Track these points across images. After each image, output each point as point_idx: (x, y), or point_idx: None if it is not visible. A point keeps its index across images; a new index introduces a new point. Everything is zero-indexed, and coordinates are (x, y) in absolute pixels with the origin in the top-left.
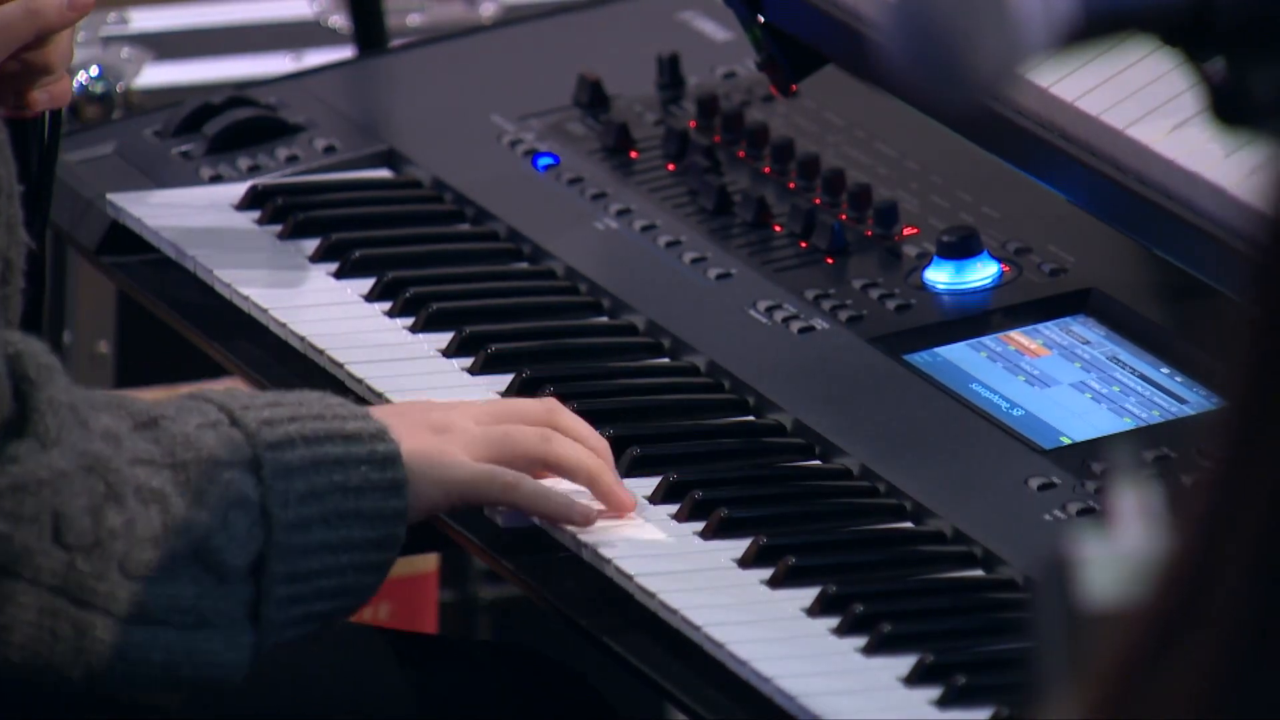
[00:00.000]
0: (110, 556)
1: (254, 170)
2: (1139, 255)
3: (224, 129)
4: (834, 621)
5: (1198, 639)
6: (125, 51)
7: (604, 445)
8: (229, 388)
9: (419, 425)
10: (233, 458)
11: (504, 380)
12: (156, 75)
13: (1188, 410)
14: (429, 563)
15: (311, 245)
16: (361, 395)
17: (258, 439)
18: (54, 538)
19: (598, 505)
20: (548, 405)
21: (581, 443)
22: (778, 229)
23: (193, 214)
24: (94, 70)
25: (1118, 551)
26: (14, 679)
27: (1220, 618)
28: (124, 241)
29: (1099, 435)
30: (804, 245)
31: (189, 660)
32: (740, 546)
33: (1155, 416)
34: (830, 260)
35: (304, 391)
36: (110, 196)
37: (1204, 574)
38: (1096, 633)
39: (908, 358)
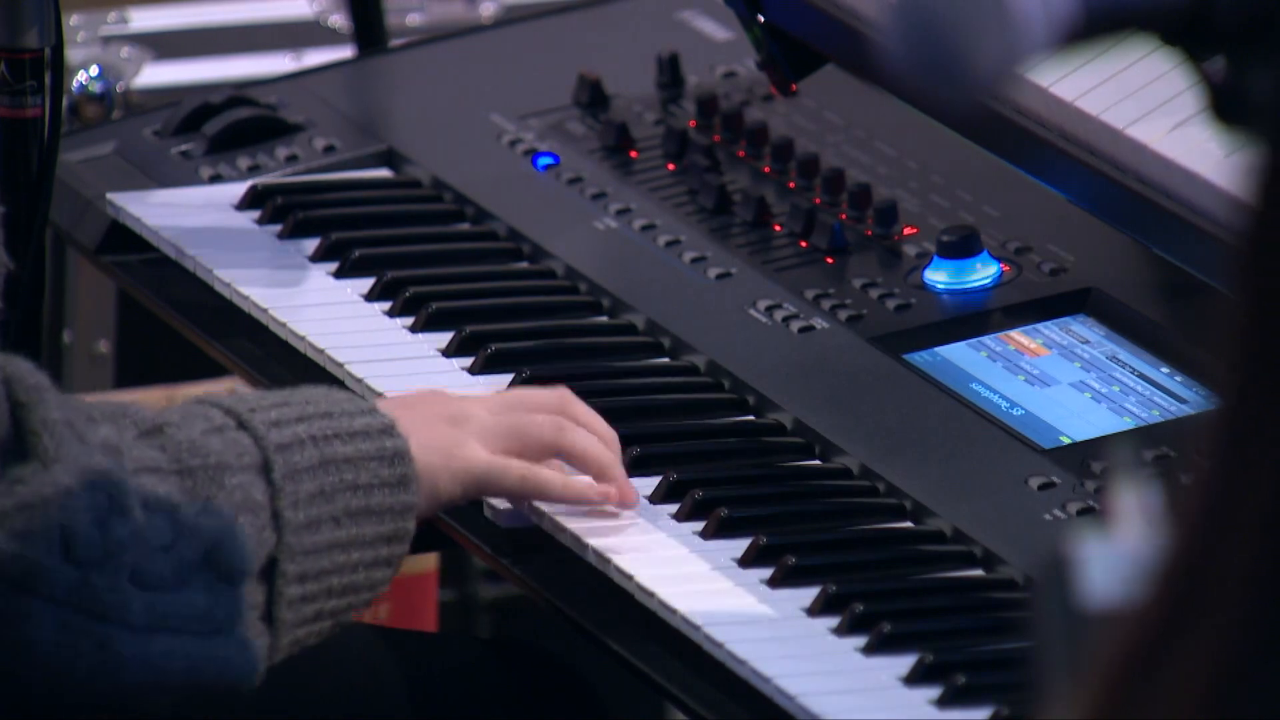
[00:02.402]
0: (121, 568)
1: (254, 170)
2: (1139, 255)
3: (224, 129)
4: (834, 621)
5: (1198, 639)
6: (125, 51)
7: (613, 435)
8: (233, 391)
9: (434, 417)
10: (240, 462)
11: (504, 380)
12: (156, 75)
13: (1188, 410)
14: (429, 562)
15: (311, 245)
16: (361, 395)
17: (266, 441)
18: (64, 554)
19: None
20: (560, 395)
21: (592, 432)
22: (777, 228)
23: (192, 213)
24: (94, 70)
25: (1118, 551)
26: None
27: (1220, 617)
28: (124, 241)
29: (1099, 435)
30: (804, 245)
31: (210, 666)
32: (740, 546)
33: (1155, 416)
34: (830, 260)
35: (309, 388)
36: (110, 196)
37: (1204, 573)
38: (1097, 633)
39: (908, 357)
